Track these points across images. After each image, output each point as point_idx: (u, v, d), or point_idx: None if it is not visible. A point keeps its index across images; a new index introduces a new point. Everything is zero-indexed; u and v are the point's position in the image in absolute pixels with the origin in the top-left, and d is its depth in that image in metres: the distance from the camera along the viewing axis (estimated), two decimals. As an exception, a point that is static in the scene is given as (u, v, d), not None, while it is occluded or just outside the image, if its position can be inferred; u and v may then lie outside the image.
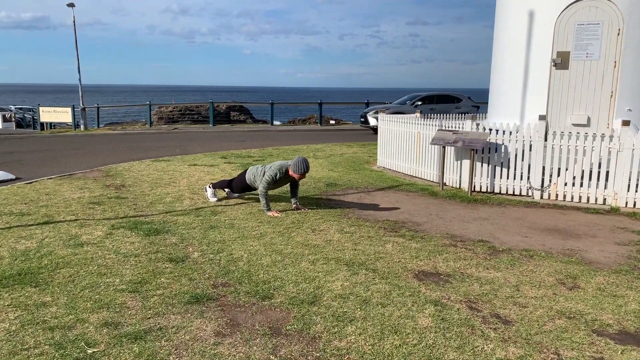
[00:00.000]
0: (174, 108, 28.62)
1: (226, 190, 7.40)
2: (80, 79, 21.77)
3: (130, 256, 4.78)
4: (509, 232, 5.96)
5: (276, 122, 26.42)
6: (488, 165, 7.99)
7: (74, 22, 20.96)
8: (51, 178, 8.98)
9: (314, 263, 4.60)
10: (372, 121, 19.11)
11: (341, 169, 10.14)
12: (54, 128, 24.35)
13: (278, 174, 6.34)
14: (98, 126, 24.83)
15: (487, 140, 7.68)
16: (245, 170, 6.87)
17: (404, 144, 9.75)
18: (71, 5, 20.64)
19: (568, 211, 7.08)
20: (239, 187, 6.95)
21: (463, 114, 13.14)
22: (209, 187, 7.27)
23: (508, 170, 7.86)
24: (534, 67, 9.31)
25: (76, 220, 6.05)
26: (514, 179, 7.85)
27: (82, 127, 21.83)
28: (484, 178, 8.02)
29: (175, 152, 13.51)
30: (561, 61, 9.00)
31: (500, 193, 7.97)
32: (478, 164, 7.97)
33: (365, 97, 38.61)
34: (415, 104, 18.98)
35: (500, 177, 7.92)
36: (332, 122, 26.08)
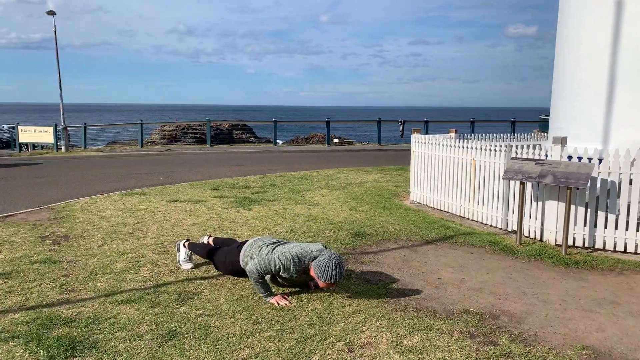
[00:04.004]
0: (177, 127, 26.93)
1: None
2: (61, 95, 19.54)
3: None
4: (675, 335, 3.51)
5: (279, 141, 24.12)
6: (586, 210, 5.56)
7: (54, 31, 18.81)
8: (-25, 223, 6.59)
9: None
10: None
11: (366, 207, 7.71)
12: (42, 149, 22.03)
13: (292, 268, 3.86)
14: (85, 146, 22.56)
15: (591, 174, 5.26)
16: (241, 245, 4.37)
17: (450, 175, 7.33)
18: (51, 13, 18.51)
19: None
20: (227, 268, 4.44)
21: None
22: (184, 245, 4.84)
23: (617, 218, 5.43)
24: (624, 70, 6.90)
25: (-52, 316, 3.62)
26: (626, 229, 5.42)
27: (63, 148, 19.51)
28: (580, 227, 5.58)
29: (159, 179, 11.14)
30: (666, 63, 6.66)
31: (604, 249, 5.53)
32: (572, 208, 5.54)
33: (372, 116, 36.43)
34: None
35: (605, 227, 5.48)
36: (335, 140, 23.74)
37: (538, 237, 5.92)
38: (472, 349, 3.20)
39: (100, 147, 24.96)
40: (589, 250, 5.53)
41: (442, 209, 7.56)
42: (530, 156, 5.94)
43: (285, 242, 4.13)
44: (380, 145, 22.44)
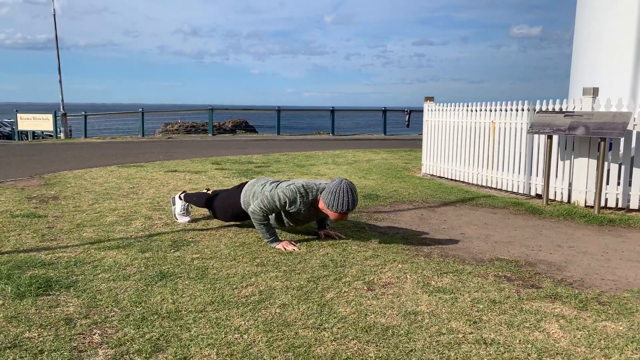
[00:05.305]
0: (180, 126, 26.53)
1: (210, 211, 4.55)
2: (60, 80, 19.15)
3: None
4: None
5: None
6: (619, 168, 5.10)
7: (54, 15, 18.42)
8: (-41, 187, 6.16)
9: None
10: None
11: (376, 176, 7.26)
12: (41, 138, 21.62)
13: (299, 200, 3.40)
14: (85, 136, 22.15)
15: (628, 123, 4.79)
16: (241, 185, 3.95)
17: (467, 142, 6.87)
18: (51, -5, 18.11)
19: None
20: (227, 212, 3.99)
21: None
22: (179, 197, 4.40)
23: (654, 175, 4.95)
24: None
25: None
26: (664, 187, 4.94)
27: (62, 135, 19.10)
28: (612, 187, 5.12)
29: (159, 158, 10.71)
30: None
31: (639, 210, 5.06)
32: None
33: (376, 115, 35.82)
34: None
35: (641, 185, 5.00)
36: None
37: (565, 199, 5.45)
38: (508, 288, 2.75)
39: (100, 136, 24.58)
40: (623, 211, 5.07)
41: (458, 178, 7.10)
42: (559, 109, 5.47)
43: (292, 180, 3.68)
44: (385, 135, 21.98)
